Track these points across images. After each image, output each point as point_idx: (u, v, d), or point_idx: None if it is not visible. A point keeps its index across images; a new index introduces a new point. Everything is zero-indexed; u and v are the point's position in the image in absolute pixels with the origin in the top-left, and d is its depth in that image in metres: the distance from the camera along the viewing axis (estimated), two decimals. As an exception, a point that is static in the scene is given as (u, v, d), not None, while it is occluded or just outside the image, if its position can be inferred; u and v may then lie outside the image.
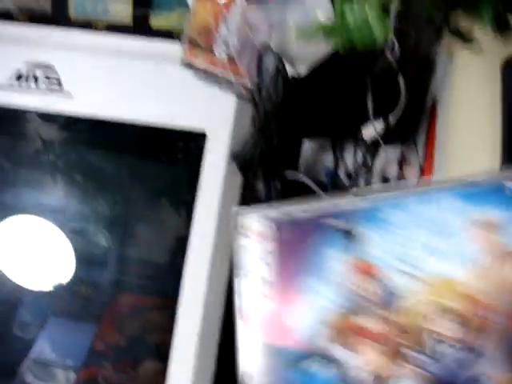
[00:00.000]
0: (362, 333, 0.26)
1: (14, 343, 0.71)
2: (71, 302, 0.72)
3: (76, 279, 0.69)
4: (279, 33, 0.44)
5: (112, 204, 0.68)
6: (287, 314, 0.27)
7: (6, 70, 0.66)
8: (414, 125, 0.60)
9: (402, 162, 0.61)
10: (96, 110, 0.61)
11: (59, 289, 0.70)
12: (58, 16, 0.68)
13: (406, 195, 0.27)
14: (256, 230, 0.29)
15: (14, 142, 0.71)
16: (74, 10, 0.67)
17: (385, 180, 0.59)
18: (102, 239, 0.69)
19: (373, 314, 0.26)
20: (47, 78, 0.65)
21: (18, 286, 0.71)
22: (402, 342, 0.25)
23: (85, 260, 0.70)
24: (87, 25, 0.67)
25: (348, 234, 0.27)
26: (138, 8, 0.65)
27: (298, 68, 0.50)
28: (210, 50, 0.50)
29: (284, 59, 0.47)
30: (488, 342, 0.24)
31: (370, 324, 0.26)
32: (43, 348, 0.70)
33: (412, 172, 0.59)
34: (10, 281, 0.71)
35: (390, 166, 0.60)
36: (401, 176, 0.60)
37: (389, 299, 0.26)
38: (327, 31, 0.44)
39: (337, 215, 0.28)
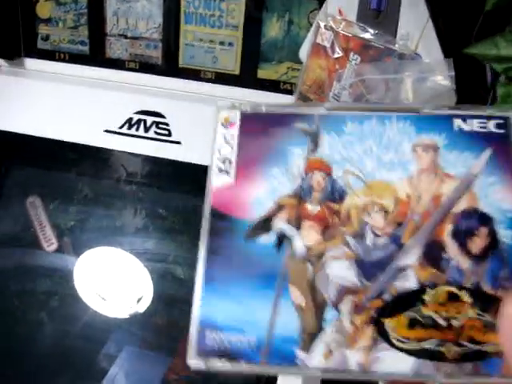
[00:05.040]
0: (307, 215, 0.32)
1: (89, 370, 0.72)
2: (147, 332, 0.74)
3: (152, 310, 0.71)
4: (395, 92, 0.47)
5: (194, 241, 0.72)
6: (243, 189, 0.33)
7: (117, 116, 0.69)
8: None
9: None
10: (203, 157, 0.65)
11: (135, 318, 0.72)
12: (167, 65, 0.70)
13: (368, 113, 0.34)
14: (226, 118, 0.35)
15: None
16: (182, 58, 0.70)
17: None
18: (180, 272, 0.71)
19: (319, 202, 0.32)
20: (157, 125, 0.67)
21: (96, 313, 0.73)
22: (340, 227, 0.32)
23: (162, 291, 0.72)
24: (195, 73, 0.69)
25: (311, 136, 0.33)
26: (246, 58, 0.66)
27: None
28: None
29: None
30: (405, 234, 0.31)
31: (315, 209, 0.32)
32: (116, 376, 0.71)
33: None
34: (89, 308, 0.73)
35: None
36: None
37: (335, 192, 0.32)
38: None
39: (303, 119, 0.34)
